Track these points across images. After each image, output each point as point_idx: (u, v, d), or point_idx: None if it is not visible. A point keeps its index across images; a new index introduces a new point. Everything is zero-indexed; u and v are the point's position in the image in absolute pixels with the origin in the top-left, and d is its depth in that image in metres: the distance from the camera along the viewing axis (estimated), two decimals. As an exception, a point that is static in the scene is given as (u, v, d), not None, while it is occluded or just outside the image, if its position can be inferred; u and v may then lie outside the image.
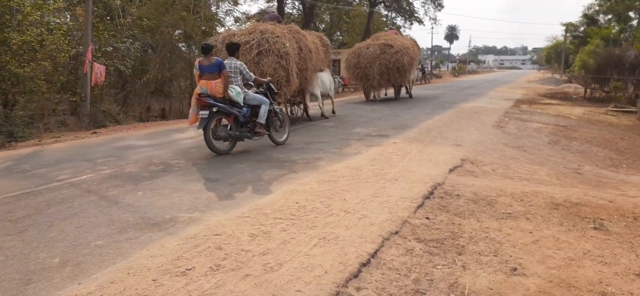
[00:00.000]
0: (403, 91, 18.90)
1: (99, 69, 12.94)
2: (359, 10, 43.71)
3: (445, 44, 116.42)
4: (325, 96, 12.16)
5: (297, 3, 38.24)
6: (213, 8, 25.61)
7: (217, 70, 6.95)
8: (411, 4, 40.71)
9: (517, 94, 22.61)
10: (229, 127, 7.15)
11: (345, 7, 41.72)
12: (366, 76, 16.20)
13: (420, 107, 15.05)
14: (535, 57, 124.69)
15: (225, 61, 7.24)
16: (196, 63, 7.16)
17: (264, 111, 7.47)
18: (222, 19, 27.41)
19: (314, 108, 12.56)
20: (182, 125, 11.78)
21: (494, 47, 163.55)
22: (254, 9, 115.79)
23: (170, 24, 17.11)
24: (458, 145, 8.02)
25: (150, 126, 12.62)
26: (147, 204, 4.63)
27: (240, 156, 7.14)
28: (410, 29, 41.11)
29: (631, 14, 34.70)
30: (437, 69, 66.06)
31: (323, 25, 41.16)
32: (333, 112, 12.87)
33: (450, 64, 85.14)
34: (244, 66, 7.52)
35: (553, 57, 61.34)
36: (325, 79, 11.81)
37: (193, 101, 7.01)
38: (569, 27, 42.32)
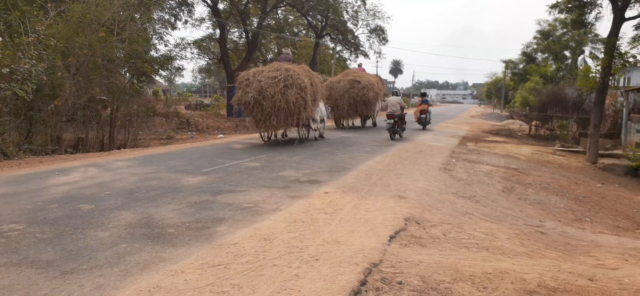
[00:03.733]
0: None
1: (-18, 94, 10.80)
2: (305, 41, 42.84)
3: (390, 77, 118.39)
4: (322, 120, 14.94)
5: (239, 31, 36.71)
6: (150, 33, 23.44)
7: (427, 102, 20.80)
8: (356, 37, 40.26)
9: (462, 131, 22.01)
10: (425, 118, 20.35)
11: (291, 37, 40.68)
12: (337, 107, 18.40)
13: (362, 143, 13.76)
14: (475, 93, 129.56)
15: (425, 98, 21.21)
16: (420, 98, 21.34)
17: (430, 117, 21.42)
18: (154, 45, 25.35)
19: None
20: (76, 163, 9.70)
21: (436, 82, 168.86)
22: (195, 34, 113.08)
23: (85, 45, 14.94)
24: (401, 196, 6.62)
25: (46, 161, 10.49)
26: None
27: (111, 216, 5.32)
28: (355, 61, 40.56)
29: (566, 53, 35.84)
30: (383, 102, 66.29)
31: (271, 55, 39.81)
32: (321, 136, 15.02)
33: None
34: (430, 100, 25.12)
35: (493, 93, 63.32)
36: (322, 108, 14.54)
37: (417, 111, 20.73)
38: (509, 64, 43.43)
